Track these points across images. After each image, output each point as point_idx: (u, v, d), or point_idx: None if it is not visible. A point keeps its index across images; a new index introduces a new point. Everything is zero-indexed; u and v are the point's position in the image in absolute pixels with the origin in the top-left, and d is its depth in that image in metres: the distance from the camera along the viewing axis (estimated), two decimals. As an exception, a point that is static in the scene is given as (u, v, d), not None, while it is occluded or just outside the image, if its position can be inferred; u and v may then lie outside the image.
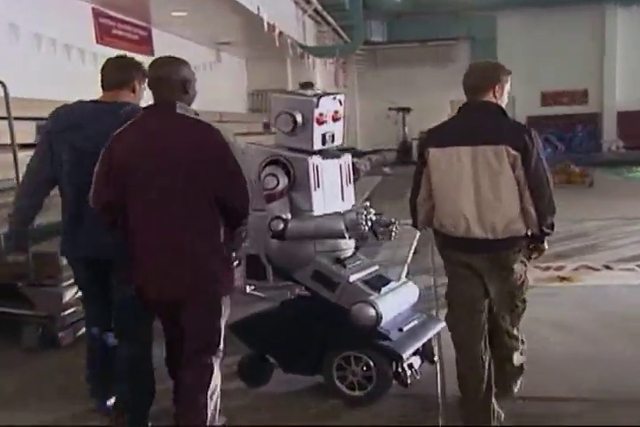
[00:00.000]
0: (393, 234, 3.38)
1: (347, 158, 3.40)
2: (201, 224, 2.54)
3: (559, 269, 5.91)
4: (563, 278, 5.61)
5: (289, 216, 3.15)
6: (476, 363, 2.86)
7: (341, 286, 3.19)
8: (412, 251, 5.12)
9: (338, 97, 3.27)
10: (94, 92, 3.04)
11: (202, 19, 10.69)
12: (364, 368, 3.12)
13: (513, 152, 2.73)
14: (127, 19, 10.48)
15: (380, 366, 3.09)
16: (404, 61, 18.44)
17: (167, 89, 2.59)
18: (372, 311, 3.03)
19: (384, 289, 3.23)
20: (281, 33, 10.00)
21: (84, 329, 4.17)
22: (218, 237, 2.57)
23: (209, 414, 2.57)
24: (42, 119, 5.90)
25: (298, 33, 13.35)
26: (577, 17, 17.71)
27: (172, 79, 2.59)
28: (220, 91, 13.37)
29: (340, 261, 3.25)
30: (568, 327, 4.32)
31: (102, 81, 2.98)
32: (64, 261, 4.06)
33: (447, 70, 16.84)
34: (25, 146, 4.91)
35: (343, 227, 3.07)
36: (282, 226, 3.10)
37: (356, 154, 16.17)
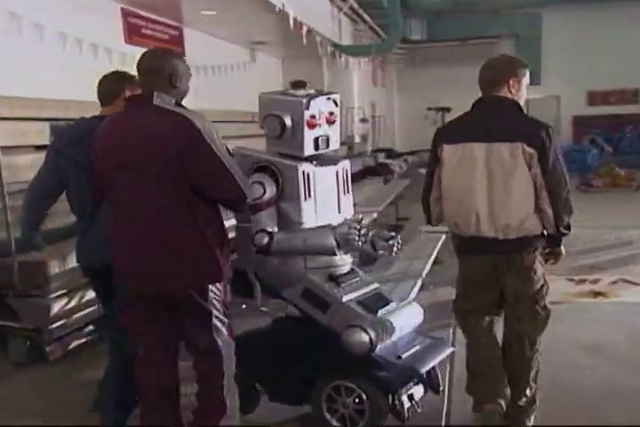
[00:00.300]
0: (394, 249, 3.05)
1: (345, 164, 3.07)
2: (175, 214, 2.47)
3: (594, 282, 5.48)
4: (597, 293, 5.18)
5: (275, 229, 2.86)
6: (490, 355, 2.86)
7: (333, 307, 2.88)
8: (430, 262, 4.76)
9: (332, 97, 2.95)
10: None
11: (233, 17, 10.45)
12: (357, 400, 2.80)
13: (529, 150, 2.67)
14: (158, 18, 10.33)
15: (374, 398, 2.76)
16: (444, 60, 17.92)
17: (153, 81, 2.52)
18: (364, 337, 2.70)
19: (381, 311, 2.90)
20: (310, 31, 9.69)
21: (74, 343, 4.02)
22: (196, 225, 2.48)
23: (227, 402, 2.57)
24: (57, 120, 5.78)
25: (333, 31, 13.05)
26: (626, 13, 16.93)
27: (158, 71, 2.52)
28: (254, 91, 13.14)
29: (334, 279, 2.93)
30: (599, 350, 3.94)
31: (99, 97, 2.99)
32: (52, 271, 3.87)
33: (489, 69, 16.26)
34: (40, 147, 4.83)
35: (333, 242, 2.75)
36: (266, 240, 2.80)
37: (392, 155, 15.79)
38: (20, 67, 7.01)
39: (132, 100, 2.65)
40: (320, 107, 2.90)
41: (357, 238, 2.73)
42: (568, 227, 2.77)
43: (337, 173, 3.03)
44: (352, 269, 3.06)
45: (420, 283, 4.19)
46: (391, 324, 2.83)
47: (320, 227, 2.83)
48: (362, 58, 13.73)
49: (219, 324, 2.55)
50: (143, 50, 8.56)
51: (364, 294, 2.99)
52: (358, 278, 3.04)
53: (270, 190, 2.85)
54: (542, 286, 2.83)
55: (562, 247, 2.87)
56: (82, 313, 4.04)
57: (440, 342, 3.11)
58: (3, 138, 4.61)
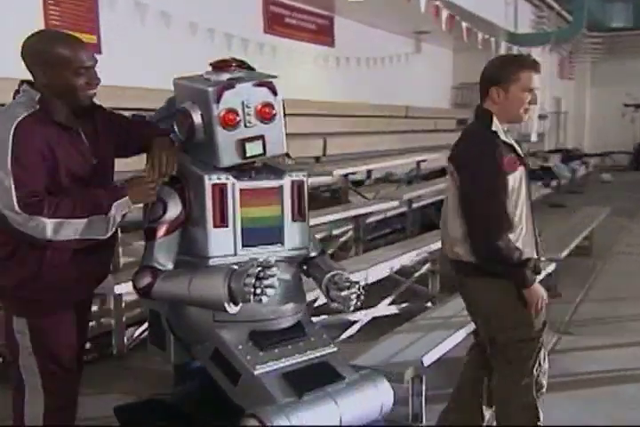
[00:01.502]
0: (353, 302, 2.13)
1: (296, 178, 2.20)
2: None
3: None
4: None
5: (169, 265, 2.09)
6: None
7: (243, 380, 2.04)
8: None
9: (265, 82, 2.09)
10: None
11: (383, 4, 9.63)
12: None
13: (451, 166, 2.58)
14: (305, 6, 9.81)
15: None
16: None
17: None
18: (258, 433, 1.84)
19: (316, 393, 2.00)
20: (453, 17, 8.55)
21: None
22: None
23: None
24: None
25: (507, 18, 11.70)
26: None
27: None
28: (416, 84, 12.23)
29: (256, 339, 2.09)
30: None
31: None
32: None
33: None
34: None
35: (224, 292, 1.92)
36: (147, 281, 2.04)
37: (572, 156, 13.90)
38: (148, 57, 6.89)
39: None
40: (245, 97, 2.06)
41: (252, 290, 1.87)
42: (491, 253, 2.40)
43: (280, 189, 2.17)
44: (296, 324, 2.19)
45: (462, 334, 3.15)
46: (323, 413, 1.94)
47: (218, 268, 2.01)
48: (538, 47, 12.12)
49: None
50: (284, 40, 7.93)
51: (300, 362, 2.11)
52: (299, 339, 2.16)
53: (174, 210, 2.09)
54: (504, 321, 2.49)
55: (530, 289, 2.42)
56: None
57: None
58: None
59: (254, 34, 8.77)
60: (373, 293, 4.22)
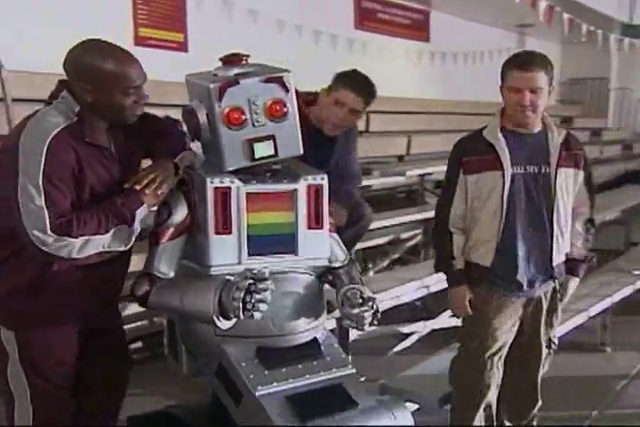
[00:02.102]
0: (367, 320, 1.92)
1: (313, 182, 2.01)
2: None
3: None
4: None
5: (170, 273, 1.95)
6: None
7: (245, 400, 1.88)
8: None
9: (274, 78, 1.90)
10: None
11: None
12: None
13: None
14: (399, 1, 9.53)
15: None
16: None
17: None
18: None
19: (317, 422, 1.81)
20: (552, 7, 7.98)
21: None
22: None
23: None
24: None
25: (621, 9, 10.89)
26: None
27: None
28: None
29: (265, 355, 1.93)
30: None
31: None
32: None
33: None
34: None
35: (213, 305, 1.75)
36: (145, 289, 1.91)
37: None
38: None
39: None
40: (252, 94, 1.89)
41: (241, 305, 1.69)
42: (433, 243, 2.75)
43: (293, 194, 1.99)
44: (311, 342, 2.01)
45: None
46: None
47: (213, 279, 1.85)
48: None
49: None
50: (376, 36, 7.78)
51: (310, 385, 1.92)
52: (313, 358, 1.98)
53: (179, 214, 1.95)
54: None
55: (452, 286, 2.62)
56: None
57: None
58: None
59: (344, 30, 8.60)
60: (435, 303, 3.96)
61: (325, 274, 2.12)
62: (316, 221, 2.01)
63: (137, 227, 1.87)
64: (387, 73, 8.20)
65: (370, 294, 1.94)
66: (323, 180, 2.02)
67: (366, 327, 1.93)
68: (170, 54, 6.45)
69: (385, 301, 3.53)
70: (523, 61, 2.35)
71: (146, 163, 2.08)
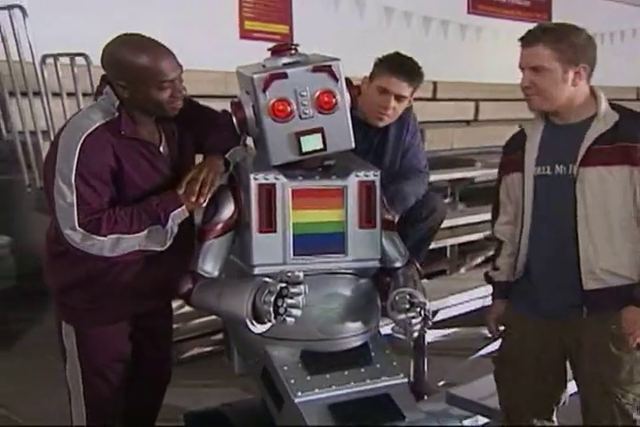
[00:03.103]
0: (415, 327, 1.77)
1: (364, 178, 1.88)
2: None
3: None
4: None
5: (214, 272, 1.90)
6: None
7: (286, 406, 1.80)
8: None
9: (324, 67, 1.78)
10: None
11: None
12: None
13: None
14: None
15: None
16: None
17: None
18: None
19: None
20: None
21: (193, 351, 3.61)
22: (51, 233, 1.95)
23: None
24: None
25: None
26: None
27: None
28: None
29: (310, 360, 1.84)
30: None
31: None
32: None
33: None
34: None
35: (246, 308, 1.67)
36: (188, 287, 1.87)
37: None
38: (340, 46, 6.85)
39: None
40: (300, 84, 1.78)
41: (271, 309, 1.60)
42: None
43: (344, 190, 1.88)
44: (361, 347, 1.90)
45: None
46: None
47: (250, 280, 1.77)
48: None
49: None
50: (491, 21, 7.50)
51: (356, 393, 1.81)
52: (361, 364, 1.86)
53: (226, 211, 1.90)
54: None
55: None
56: (205, 319, 3.57)
57: None
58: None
59: (456, 15, 8.29)
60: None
61: (382, 275, 2.00)
62: (367, 220, 1.89)
63: (172, 228, 1.83)
64: (502, 60, 7.83)
65: (421, 298, 1.80)
66: (376, 176, 1.89)
67: (415, 335, 1.79)
68: (275, 47, 6.53)
69: (472, 300, 3.34)
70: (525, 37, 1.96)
71: (199, 158, 2.05)
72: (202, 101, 2.11)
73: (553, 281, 1.98)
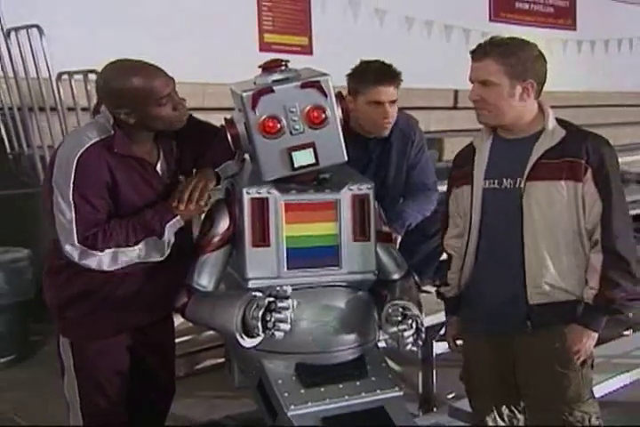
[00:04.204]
0: (407, 340, 1.77)
1: (358, 191, 1.89)
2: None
3: None
4: None
5: (210, 285, 1.92)
6: None
7: (279, 419, 1.81)
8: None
9: (312, 83, 1.80)
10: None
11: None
12: None
13: None
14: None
15: None
16: None
17: None
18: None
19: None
20: None
21: (205, 362, 3.62)
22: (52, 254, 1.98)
23: None
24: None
25: None
26: None
27: None
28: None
29: (304, 372, 1.85)
30: None
31: None
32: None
33: None
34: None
35: (236, 322, 1.69)
36: (183, 300, 1.89)
37: None
38: (359, 56, 6.88)
39: None
40: (288, 101, 1.80)
41: (259, 324, 1.62)
42: None
43: (337, 204, 1.89)
44: (357, 360, 1.90)
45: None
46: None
47: (238, 293, 1.79)
48: None
49: None
50: (513, 28, 7.45)
51: (350, 406, 1.81)
52: (356, 377, 1.86)
53: (221, 226, 1.92)
54: None
55: None
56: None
57: None
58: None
59: (478, 23, 8.25)
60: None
61: (379, 288, 2.01)
62: (361, 233, 1.90)
63: (169, 238, 1.86)
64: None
65: (414, 311, 1.79)
66: (369, 189, 1.91)
67: (408, 348, 1.79)
68: (295, 58, 6.55)
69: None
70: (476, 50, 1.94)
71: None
72: (223, 115, 2.10)
73: (498, 295, 1.96)
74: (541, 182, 1.88)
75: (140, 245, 1.84)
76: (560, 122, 1.95)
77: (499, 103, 1.89)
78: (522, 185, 1.90)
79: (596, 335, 1.91)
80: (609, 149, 1.90)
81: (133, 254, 1.83)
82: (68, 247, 1.80)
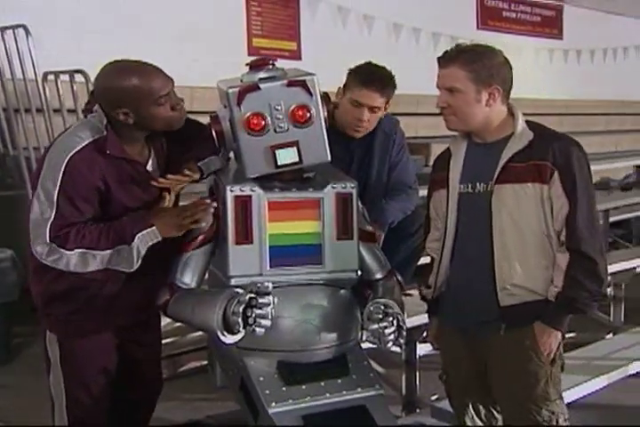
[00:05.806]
0: (388, 337, 1.78)
1: (341, 190, 1.90)
2: None
3: None
4: None
5: (192, 282, 1.92)
6: None
7: (260, 417, 1.81)
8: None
9: (298, 82, 1.82)
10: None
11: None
12: None
13: None
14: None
15: None
16: None
17: None
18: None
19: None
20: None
21: (189, 364, 3.61)
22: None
23: None
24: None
25: None
26: None
27: None
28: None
29: (285, 370, 1.85)
30: None
31: None
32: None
33: None
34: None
35: (217, 319, 1.69)
36: (165, 298, 1.89)
37: None
38: (348, 62, 6.90)
39: None
40: (274, 99, 1.81)
41: (240, 320, 1.62)
42: None
43: (320, 203, 1.89)
44: (338, 358, 1.90)
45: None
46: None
47: (220, 289, 1.79)
48: None
49: None
50: (501, 36, 7.48)
51: (331, 404, 1.81)
52: (337, 375, 1.87)
53: (205, 222, 1.92)
54: None
55: None
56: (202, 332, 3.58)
57: None
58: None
59: (465, 31, 8.31)
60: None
61: (363, 287, 2.01)
62: (344, 231, 1.90)
63: (139, 248, 1.82)
64: (513, 75, 7.85)
65: (396, 309, 1.80)
66: (353, 188, 1.92)
67: (389, 346, 1.79)
68: (283, 63, 6.56)
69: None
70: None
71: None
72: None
73: (472, 298, 1.97)
74: (509, 185, 1.89)
75: (109, 251, 1.81)
76: (530, 125, 1.97)
77: (465, 109, 1.90)
78: (491, 188, 1.91)
79: (559, 333, 1.92)
80: (577, 150, 1.91)
81: (102, 259, 1.80)
82: (36, 245, 1.78)
